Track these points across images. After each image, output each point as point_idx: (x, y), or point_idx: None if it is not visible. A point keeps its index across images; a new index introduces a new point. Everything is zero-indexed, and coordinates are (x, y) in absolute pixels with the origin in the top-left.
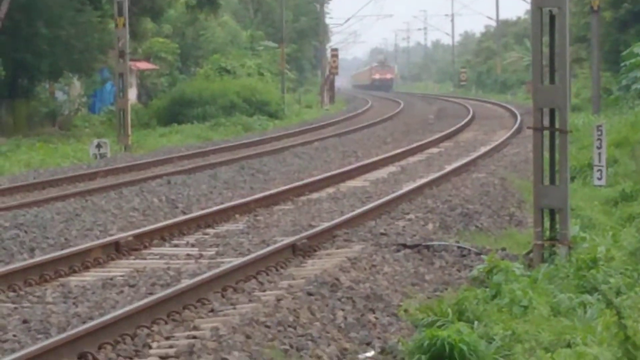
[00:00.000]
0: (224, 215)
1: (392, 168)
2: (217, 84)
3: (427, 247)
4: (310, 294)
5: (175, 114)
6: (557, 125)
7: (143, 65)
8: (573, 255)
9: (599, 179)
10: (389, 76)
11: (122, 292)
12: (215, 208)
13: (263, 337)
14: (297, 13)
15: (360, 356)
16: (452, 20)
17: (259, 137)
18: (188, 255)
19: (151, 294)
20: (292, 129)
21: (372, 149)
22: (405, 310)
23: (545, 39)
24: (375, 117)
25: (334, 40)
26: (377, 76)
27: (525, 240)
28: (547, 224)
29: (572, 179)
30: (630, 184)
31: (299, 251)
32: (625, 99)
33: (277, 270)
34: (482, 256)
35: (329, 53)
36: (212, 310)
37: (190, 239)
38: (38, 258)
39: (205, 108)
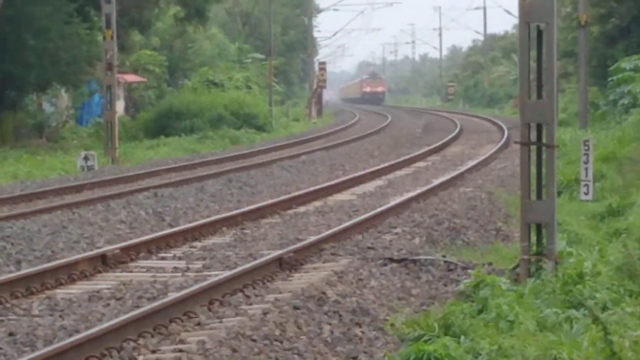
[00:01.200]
0: (211, 228)
1: (379, 182)
2: (204, 96)
3: (414, 261)
4: (296, 308)
5: (163, 126)
6: (544, 140)
7: (131, 77)
8: (559, 270)
9: (586, 193)
10: (380, 89)
11: (108, 305)
12: (202, 221)
13: (249, 351)
14: (285, 26)
15: None
16: (440, 34)
17: (247, 150)
18: (175, 268)
19: (138, 307)
20: (280, 142)
21: (360, 162)
22: (392, 325)
23: (533, 53)
24: (362, 130)
25: (322, 54)
26: (367, 89)
27: (511, 254)
28: (533, 238)
29: (559, 193)
30: (617, 199)
31: (286, 265)
32: (613, 113)
33: (263, 283)
34: (469, 270)
35: (316, 66)
36: (198, 324)
37: (177, 252)
38: (24, 270)
39: (193, 121)
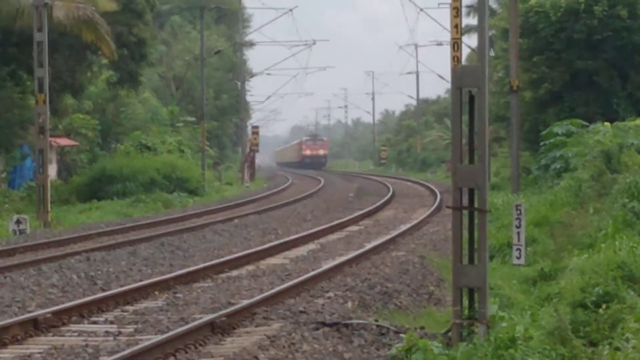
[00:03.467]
0: (143, 292)
1: (312, 246)
2: (137, 160)
3: (346, 325)
4: None
5: (96, 190)
6: (476, 205)
7: (63, 141)
8: (491, 334)
9: (518, 258)
10: (322, 152)
11: None
12: (134, 285)
13: None
14: (218, 90)
15: None
16: (373, 99)
17: (179, 214)
18: (107, 332)
19: None
20: (212, 206)
21: (292, 226)
22: None
23: (465, 117)
24: (295, 194)
25: (255, 118)
26: (308, 152)
27: (444, 318)
28: (465, 302)
29: (491, 258)
30: (549, 263)
31: (218, 329)
32: (544, 178)
33: (195, 348)
34: (401, 335)
35: (249, 130)
36: None
37: (109, 316)
38: None
39: (126, 184)
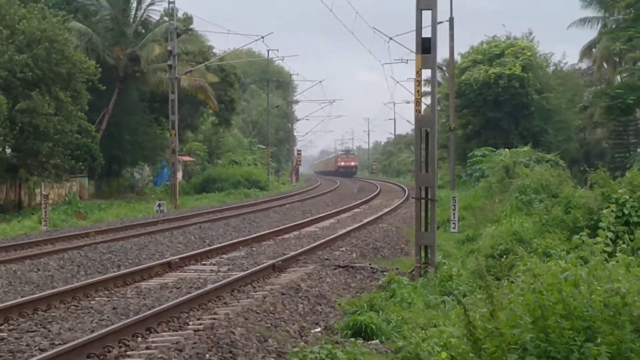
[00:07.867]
0: (233, 247)
1: (332, 220)
2: (229, 170)
3: (352, 267)
4: (283, 294)
5: (205, 187)
6: (429, 197)
7: (186, 158)
8: (438, 273)
9: (454, 228)
10: (353, 163)
11: (172, 291)
12: (227, 242)
13: (255, 319)
14: (277, 129)
15: (312, 331)
16: (368, 134)
17: (254, 201)
18: (211, 270)
19: (189, 293)
20: (274, 196)
21: (320, 209)
22: (339, 304)
23: (423, 145)
24: (322, 190)
25: (299, 145)
26: (342, 163)
27: (410, 263)
28: (422, 254)
29: (438, 228)
30: (471, 232)
31: (277, 269)
32: (470, 181)
33: (263, 280)
34: (385, 273)
35: (295, 152)
36: (225, 303)
37: (213, 260)
38: (122, 271)
39: (222, 184)
